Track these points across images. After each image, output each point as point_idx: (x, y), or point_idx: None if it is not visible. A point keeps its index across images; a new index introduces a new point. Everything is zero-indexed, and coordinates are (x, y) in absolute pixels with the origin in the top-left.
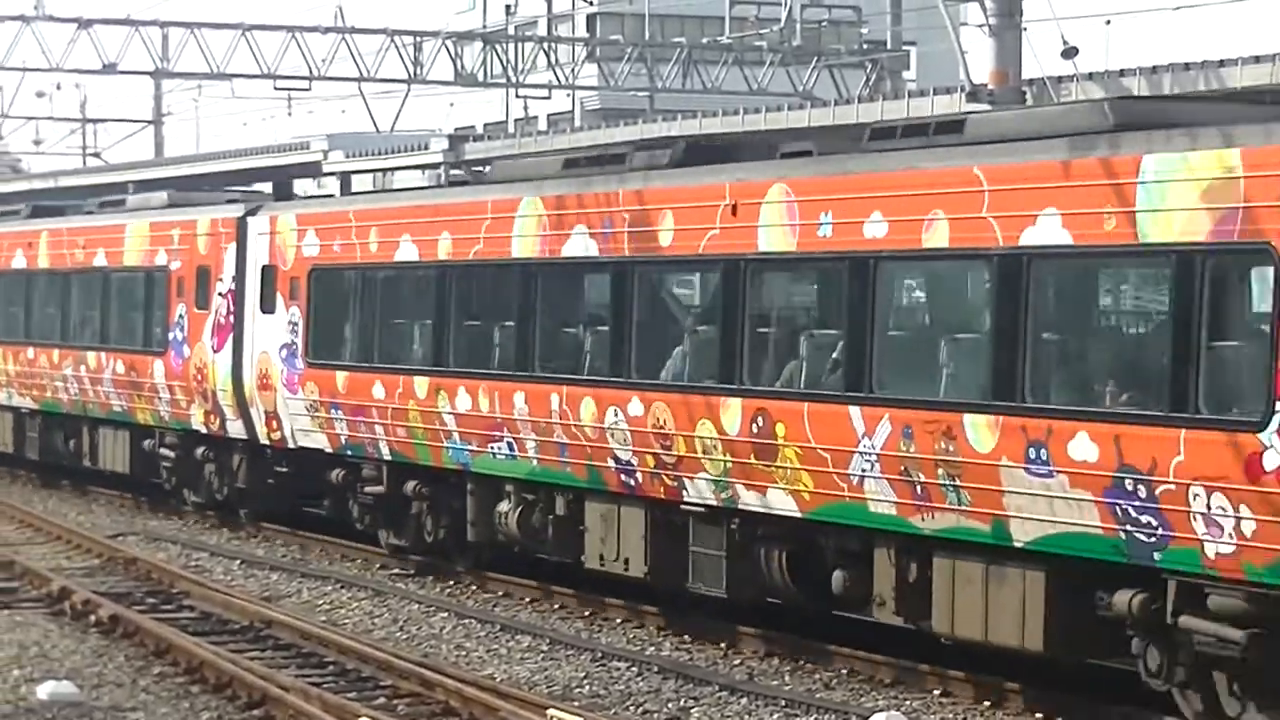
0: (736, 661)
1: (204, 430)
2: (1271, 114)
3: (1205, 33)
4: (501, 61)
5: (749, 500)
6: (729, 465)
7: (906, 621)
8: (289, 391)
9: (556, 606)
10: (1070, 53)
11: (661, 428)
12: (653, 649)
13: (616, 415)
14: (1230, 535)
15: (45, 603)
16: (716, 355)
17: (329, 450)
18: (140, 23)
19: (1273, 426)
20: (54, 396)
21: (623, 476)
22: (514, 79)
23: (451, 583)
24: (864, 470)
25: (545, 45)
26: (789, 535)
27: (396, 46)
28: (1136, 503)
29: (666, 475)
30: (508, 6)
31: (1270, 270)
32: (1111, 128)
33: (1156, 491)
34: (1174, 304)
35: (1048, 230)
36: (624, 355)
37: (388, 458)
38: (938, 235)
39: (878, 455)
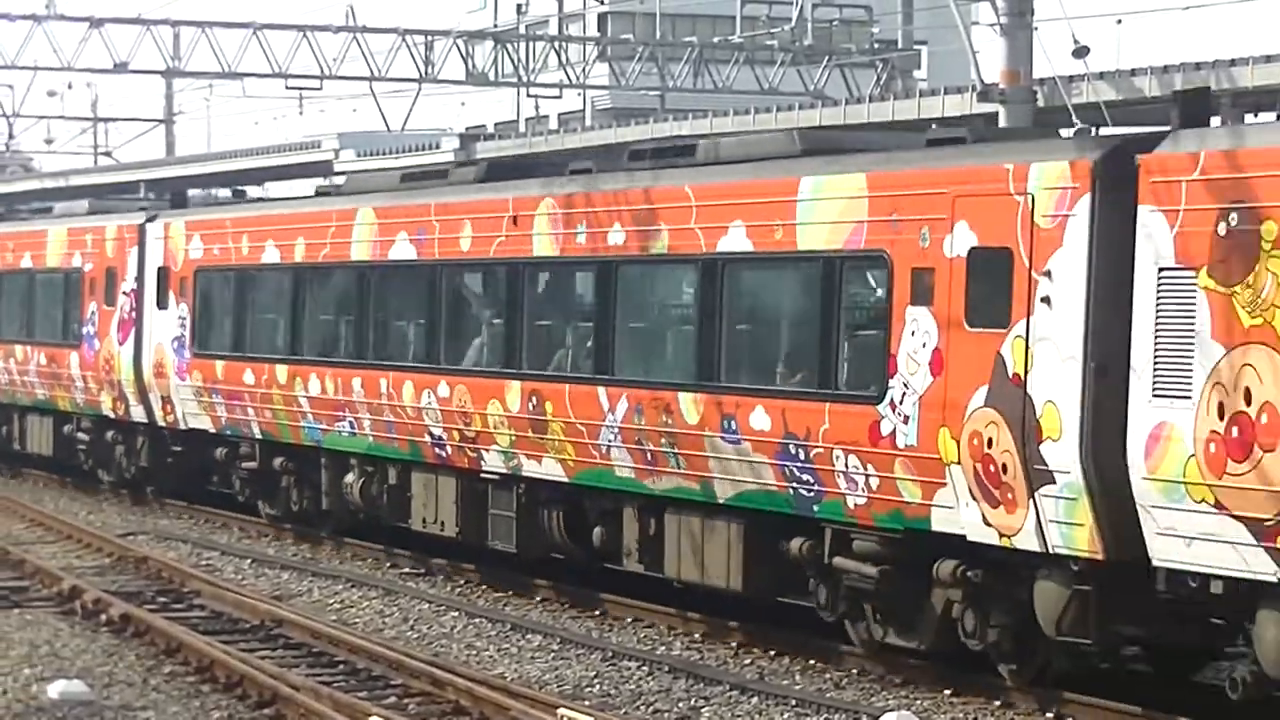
0: (747, 661)
1: (112, 415)
2: (908, 142)
3: (1216, 32)
4: (513, 61)
5: (530, 468)
6: (513, 439)
7: (647, 569)
8: (179, 379)
9: (567, 606)
10: (1081, 52)
11: (463, 407)
12: (663, 648)
13: (429, 397)
14: (862, 489)
15: (56, 602)
16: (502, 345)
17: (213, 430)
18: (152, 22)
19: (886, 400)
20: None
21: (437, 450)
22: (525, 78)
23: (462, 582)
24: (610, 441)
25: (556, 44)
26: (562, 498)
27: (408, 46)
28: (798, 464)
29: (469, 448)
30: (519, 6)
31: (885, 274)
32: (799, 153)
33: (811, 454)
34: (822, 301)
35: (736, 239)
36: (435, 345)
37: (259, 436)
38: (661, 243)
39: (619, 428)
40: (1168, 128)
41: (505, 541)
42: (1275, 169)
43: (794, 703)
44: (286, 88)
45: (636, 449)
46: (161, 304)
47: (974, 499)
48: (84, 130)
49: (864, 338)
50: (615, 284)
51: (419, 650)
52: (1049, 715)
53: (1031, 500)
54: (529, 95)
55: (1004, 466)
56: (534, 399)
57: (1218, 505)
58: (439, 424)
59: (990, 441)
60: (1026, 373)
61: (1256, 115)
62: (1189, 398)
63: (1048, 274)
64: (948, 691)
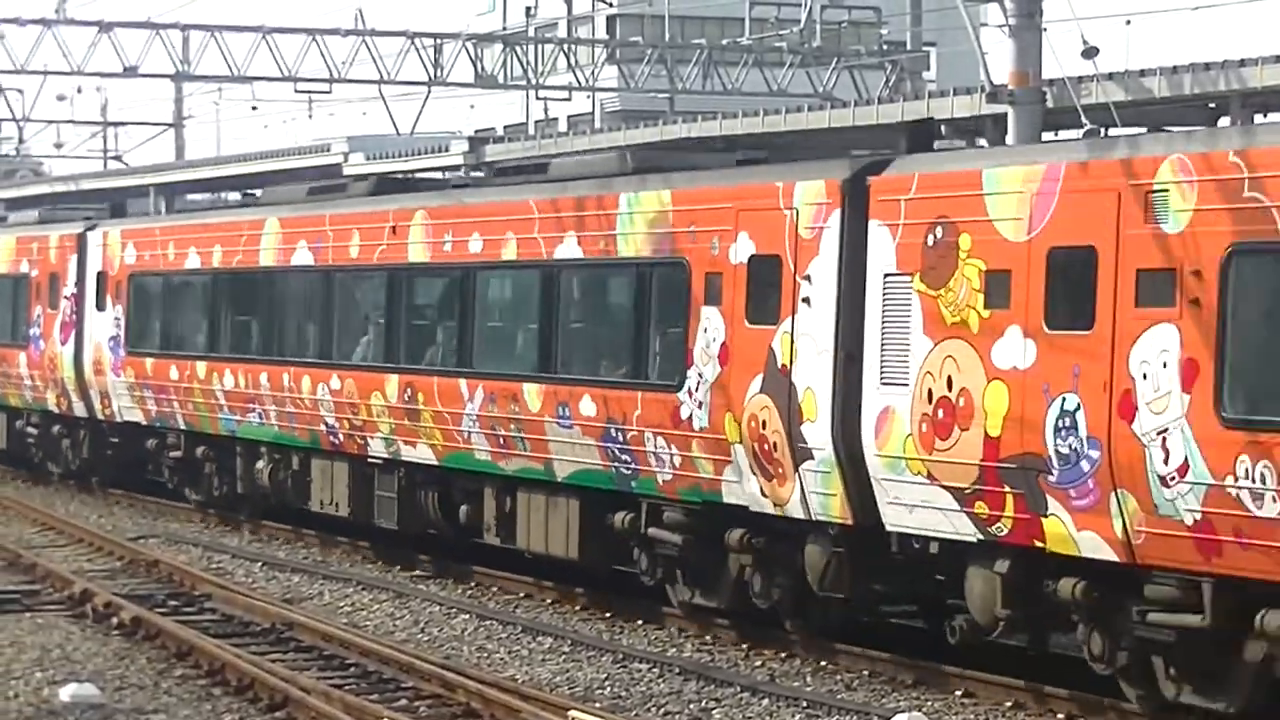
0: (758, 663)
1: (57, 410)
2: (720, 161)
3: (1225, 32)
4: (522, 63)
5: (407, 453)
6: (393, 426)
7: (503, 543)
8: (115, 375)
9: (578, 608)
10: (1090, 53)
11: (351, 399)
12: (674, 650)
13: (324, 390)
14: (669, 467)
15: (67, 605)
16: (383, 342)
17: (144, 422)
18: (161, 26)
19: (685, 388)
20: None
21: (330, 438)
22: (534, 81)
23: (473, 584)
24: (470, 427)
25: (565, 47)
26: (434, 480)
27: (417, 48)
28: (619, 445)
29: (357, 436)
30: (528, 8)
31: (685, 278)
32: (631, 170)
33: (628, 437)
34: (636, 303)
35: (569, 248)
36: (329, 343)
37: (184, 427)
38: (510, 251)
39: (477, 416)
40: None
41: (389, 520)
42: (966, 189)
43: (805, 704)
44: (296, 91)
45: (491, 434)
46: (100, 306)
47: (754, 474)
48: (94, 134)
49: (669, 334)
50: (474, 288)
51: (430, 653)
52: (1060, 716)
53: (797, 474)
54: (538, 98)
55: (775, 445)
56: (409, 390)
57: (929, 477)
58: (332, 414)
59: (764, 423)
60: (791, 363)
61: (1266, 115)
62: (906, 384)
63: (808, 278)
64: (959, 693)
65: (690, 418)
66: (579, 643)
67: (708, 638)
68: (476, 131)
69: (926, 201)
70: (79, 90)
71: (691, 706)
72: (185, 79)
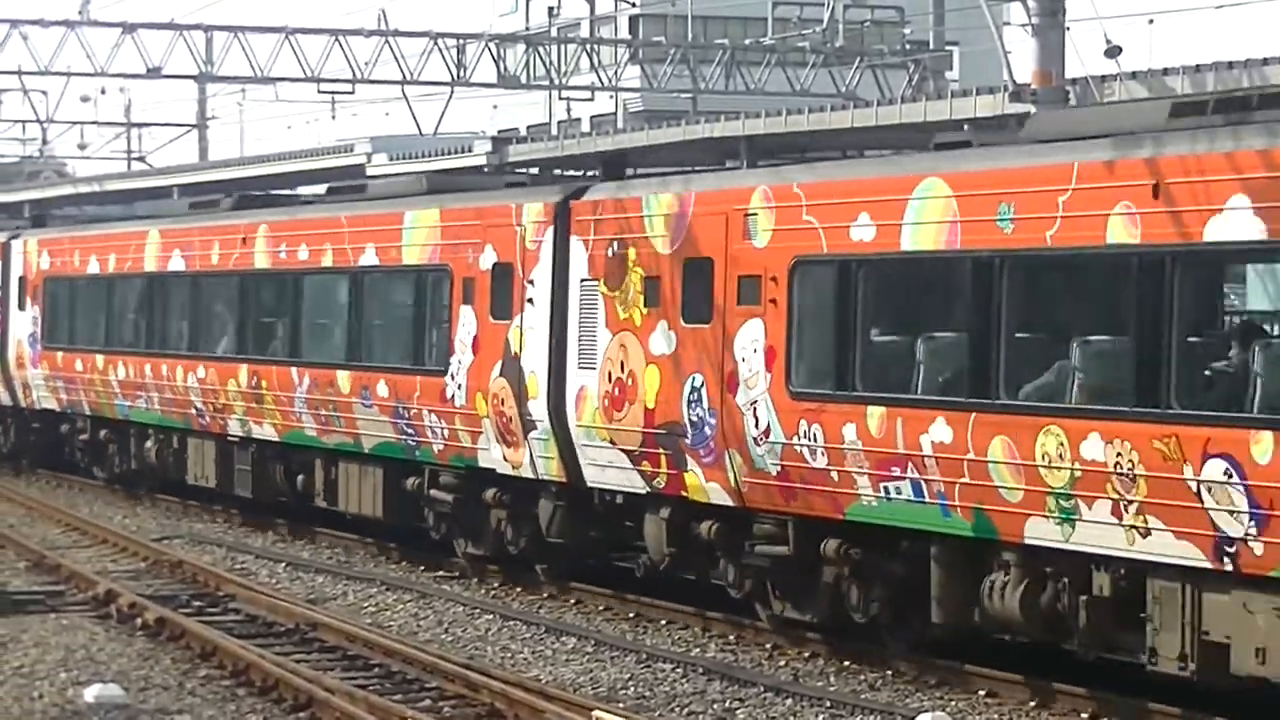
0: (781, 663)
1: None
2: (491, 183)
3: (1249, 31)
4: (544, 63)
5: (257, 431)
6: (245, 409)
7: (329, 505)
8: (33, 368)
9: (601, 608)
10: (1113, 52)
11: (213, 386)
12: (698, 650)
13: (193, 378)
14: (441, 438)
15: (92, 606)
16: (236, 337)
17: (58, 409)
18: (184, 27)
19: (449, 373)
20: None
21: (200, 420)
22: (557, 81)
23: (496, 584)
24: (300, 409)
25: (588, 47)
26: (278, 454)
27: (440, 49)
28: (406, 422)
29: (219, 417)
30: (550, 8)
31: (449, 282)
32: (425, 191)
33: (411, 414)
34: (416, 302)
35: (370, 256)
36: (196, 337)
37: (89, 413)
38: (328, 259)
39: (305, 398)
40: (609, 181)
41: (245, 489)
42: (634, 212)
43: (828, 704)
44: (319, 92)
45: (316, 414)
46: (21, 306)
47: (498, 443)
48: (118, 135)
49: (438, 329)
50: (301, 290)
51: (454, 653)
52: (1084, 716)
53: (527, 442)
54: (561, 98)
55: (511, 419)
56: (255, 378)
57: (611, 442)
58: (200, 399)
59: (503, 401)
60: (521, 351)
61: None
62: (594, 368)
63: (532, 282)
64: (982, 692)
65: (453, 397)
66: (603, 643)
67: (731, 638)
68: (500, 132)
69: (608, 221)
70: (103, 91)
71: (715, 706)
72: (208, 80)
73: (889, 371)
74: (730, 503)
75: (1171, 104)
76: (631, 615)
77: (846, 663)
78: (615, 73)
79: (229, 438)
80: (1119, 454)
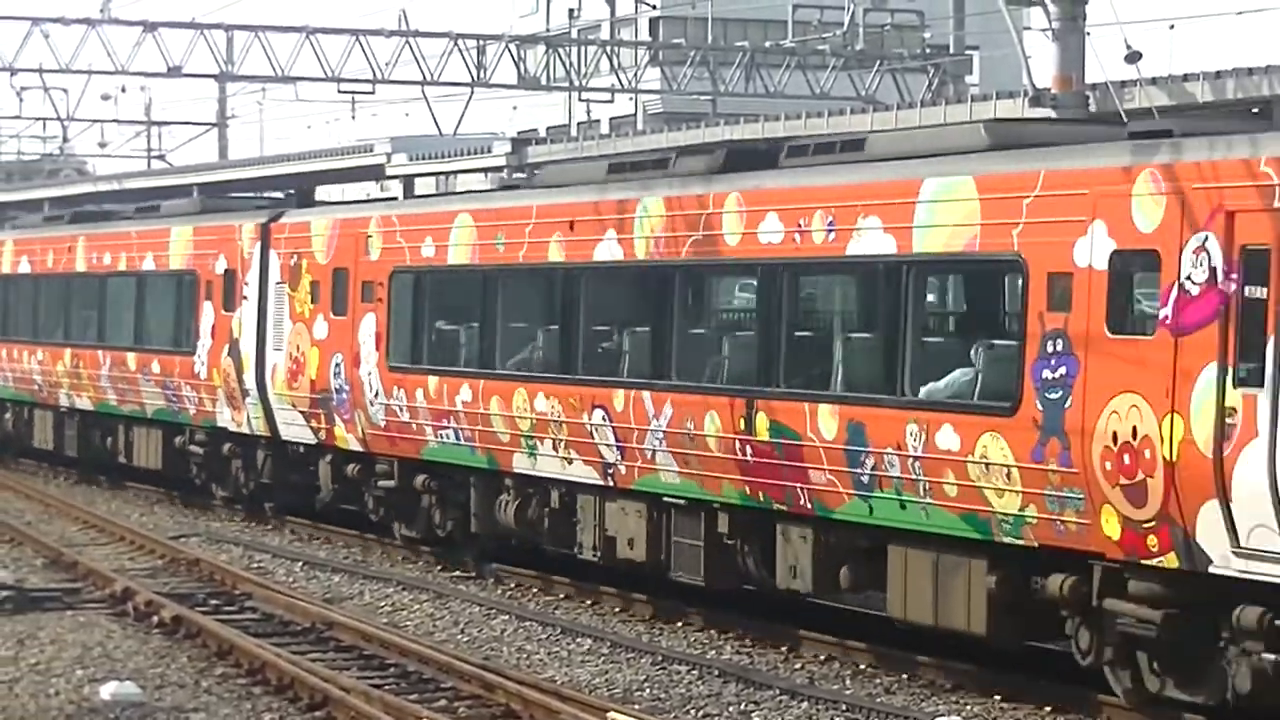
0: (798, 666)
1: None
2: (245, 205)
3: (1270, 37)
4: (564, 65)
5: (79, 403)
6: (69, 384)
7: (130, 463)
8: None
9: (617, 610)
10: (1134, 57)
11: (46, 366)
12: (714, 652)
13: (33, 360)
14: (192, 405)
15: (108, 603)
16: (96, 326)
17: None
18: (205, 26)
19: (197, 354)
20: None
21: (40, 394)
22: (577, 82)
23: (513, 585)
24: (105, 384)
25: (608, 49)
26: (96, 421)
27: (460, 50)
28: (172, 393)
29: (53, 393)
30: (571, 10)
31: (196, 283)
32: (197, 211)
33: (174, 386)
34: (178, 299)
35: (149, 262)
36: (36, 327)
37: None
38: (122, 263)
39: (107, 375)
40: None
41: (73, 450)
42: (306, 232)
43: (845, 707)
44: (339, 91)
45: (114, 388)
46: None
47: (228, 407)
48: (138, 134)
49: (191, 319)
50: (106, 288)
51: (470, 653)
52: None
53: (245, 406)
54: (580, 99)
55: (234, 389)
56: (76, 359)
57: (293, 405)
58: (40, 378)
59: (229, 375)
60: (240, 337)
61: None
62: (282, 349)
63: (247, 284)
64: (998, 697)
65: (200, 372)
66: (618, 644)
67: (747, 640)
68: (519, 133)
69: (292, 239)
70: (123, 90)
71: (731, 709)
72: (229, 79)
73: (442, 352)
74: (360, 449)
75: (608, 164)
76: (648, 616)
77: (863, 666)
78: (635, 74)
79: (60, 409)
80: (552, 407)
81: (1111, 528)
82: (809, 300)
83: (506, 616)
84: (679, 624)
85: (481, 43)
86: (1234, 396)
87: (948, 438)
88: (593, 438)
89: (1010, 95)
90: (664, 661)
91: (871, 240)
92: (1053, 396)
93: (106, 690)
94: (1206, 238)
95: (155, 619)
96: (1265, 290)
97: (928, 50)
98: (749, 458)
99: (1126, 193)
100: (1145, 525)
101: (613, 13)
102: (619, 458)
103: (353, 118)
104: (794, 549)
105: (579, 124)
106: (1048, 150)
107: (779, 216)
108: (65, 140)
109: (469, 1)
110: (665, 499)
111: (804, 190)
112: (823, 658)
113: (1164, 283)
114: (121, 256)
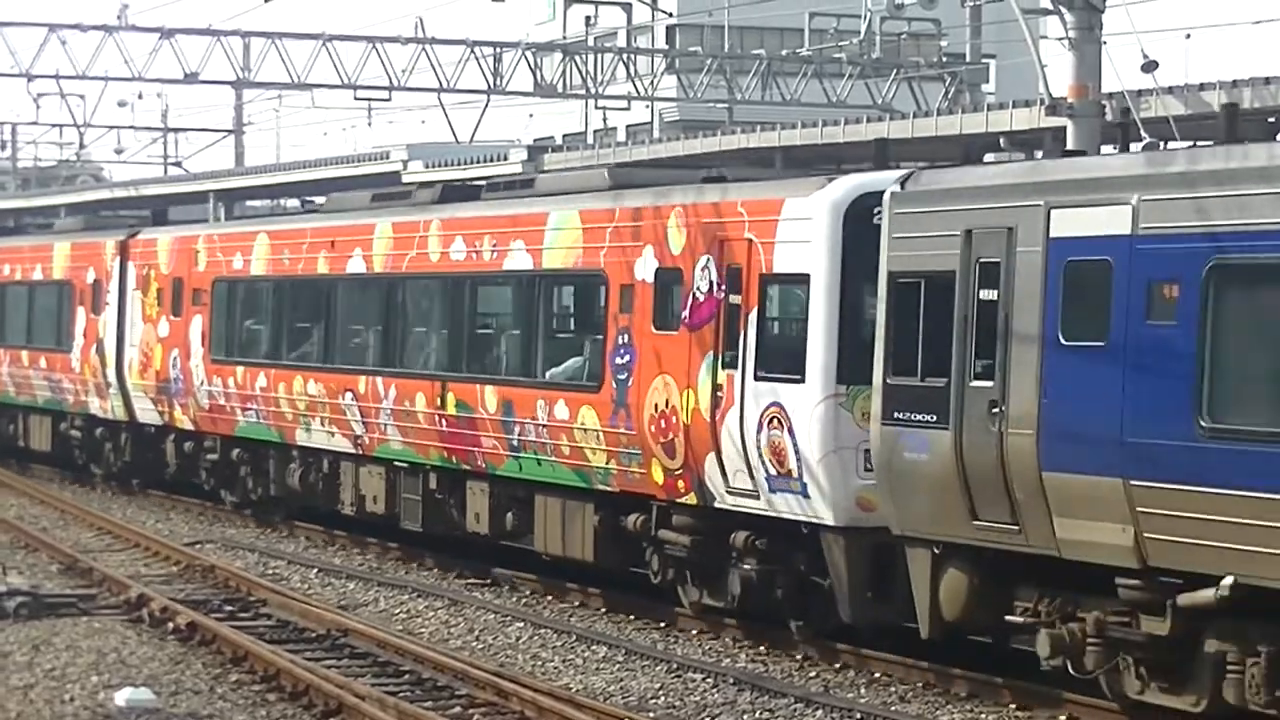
0: (812, 674)
1: None
2: (118, 223)
3: None
4: (581, 73)
5: (14, 399)
6: (4, 381)
7: (26, 446)
8: None
9: (632, 617)
10: (1150, 66)
11: None
12: (728, 660)
13: None
14: (69, 395)
15: (123, 609)
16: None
17: None
18: (222, 33)
19: (72, 352)
20: None
21: None
22: (593, 90)
23: (528, 592)
24: (6, 379)
25: (624, 56)
26: (3, 412)
27: (476, 57)
28: (55, 384)
29: None
30: (587, 18)
31: (72, 290)
32: (82, 228)
33: (57, 380)
34: (59, 304)
35: (38, 273)
36: None
37: None
38: (19, 274)
39: (9, 371)
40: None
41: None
42: (152, 247)
43: (859, 715)
44: (355, 99)
45: (12, 381)
46: None
47: (97, 396)
48: (154, 140)
49: (68, 321)
50: (6, 295)
51: (484, 660)
52: None
53: (109, 395)
54: (597, 107)
55: (101, 380)
56: (12, 361)
57: (144, 393)
58: None
59: (97, 368)
60: (104, 336)
61: None
62: (136, 345)
63: (109, 291)
64: (1012, 705)
65: (75, 367)
66: (633, 652)
67: (762, 648)
68: (535, 141)
69: (144, 253)
70: (140, 96)
71: (746, 717)
72: (245, 85)
73: (247, 346)
74: (193, 429)
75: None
76: (663, 625)
77: (877, 674)
78: (652, 82)
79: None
80: (319, 391)
81: (658, 476)
82: (484, 304)
83: (521, 624)
84: (694, 632)
85: (498, 50)
86: (722, 376)
87: (561, 410)
88: (346, 415)
89: (1027, 104)
90: (679, 669)
91: (518, 258)
92: (621, 377)
93: (121, 696)
94: (709, 259)
95: (170, 625)
96: (739, 297)
97: (944, 59)
98: (444, 428)
99: (664, 225)
100: (676, 473)
101: (629, 20)
102: (364, 431)
103: (369, 125)
104: (477, 500)
105: (595, 132)
106: (622, 191)
107: (464, 239)
108: (82, 146)
109: (485, 9)
110: (396, 463)
111: (480, 219)
112: (838, 666)
113: (684, 292)
114: (18, 269)
